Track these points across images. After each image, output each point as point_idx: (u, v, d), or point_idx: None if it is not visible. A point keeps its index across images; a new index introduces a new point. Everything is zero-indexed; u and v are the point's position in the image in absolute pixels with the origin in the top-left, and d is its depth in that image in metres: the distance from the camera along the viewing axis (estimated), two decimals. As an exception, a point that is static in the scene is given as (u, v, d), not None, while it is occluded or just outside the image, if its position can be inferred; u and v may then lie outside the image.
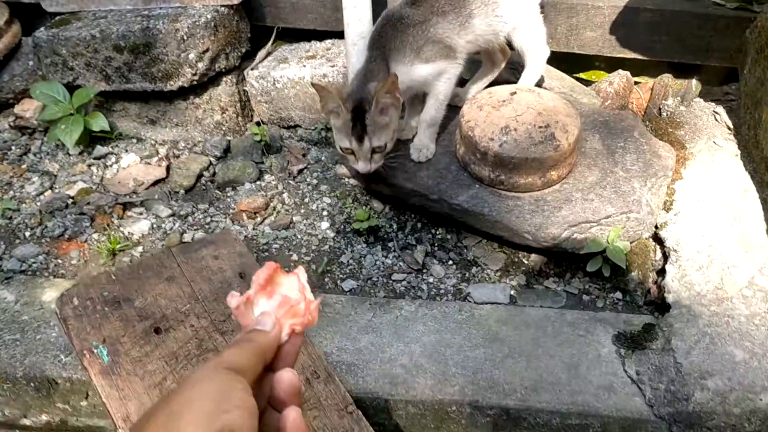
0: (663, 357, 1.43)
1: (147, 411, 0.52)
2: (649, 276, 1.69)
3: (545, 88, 2.02)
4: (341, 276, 1.77)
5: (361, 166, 1.71)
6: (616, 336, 1.51)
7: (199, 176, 2.14)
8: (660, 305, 1.60)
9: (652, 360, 1.43)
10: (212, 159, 2.20)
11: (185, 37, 2.08)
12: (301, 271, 0.67)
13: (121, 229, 1.92)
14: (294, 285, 0.66)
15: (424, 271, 1.77)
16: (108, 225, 1.92)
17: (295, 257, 1.83)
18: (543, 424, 1.40)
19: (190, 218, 1.97)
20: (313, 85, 1.69)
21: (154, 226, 1.94)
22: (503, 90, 1.73)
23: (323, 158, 2.21)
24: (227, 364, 0.55)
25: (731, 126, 2.01)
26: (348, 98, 1.67)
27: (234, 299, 0.64)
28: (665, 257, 1.67)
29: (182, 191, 2.08)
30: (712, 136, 1.98)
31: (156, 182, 2.10)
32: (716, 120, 2.05)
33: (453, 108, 1.91)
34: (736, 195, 1.75)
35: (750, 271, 1.55)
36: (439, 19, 1.74)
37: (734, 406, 1.33)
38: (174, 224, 1.95)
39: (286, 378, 0.58)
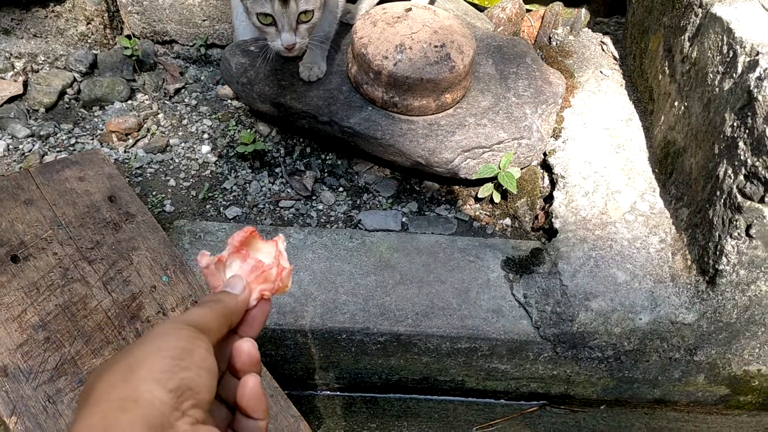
0: (549, 280, 1.45)
1: (104, 363, 0.50)
2: (537, 203, 1.70)
3: (439, 10, 1.94)
4: (224, 203, 1.65)
5: (285, 39, 1.44)
6: (504, 261, 1.52)
7: (62, 93, 1.92)
8: (547, 231, 1.62)
9: (539, 283, 1.45)
10: (76, 75, 1.97)
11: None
12: (280, 239, 0.66)
13: (-31, 149, 1.70)
14: (271, 252, 0.64)
15: (314, 197, 1.69)
16: (-48, 145, 1.68)
17: (172, 182, 1.69)
18: (433, 349, 1.40)
19: (51, 139, 1.77)
20: None
21: (10, 147, 1.73)
22: (398, 6, 1.64)
23: (203, 78, 2.04)
24: (191, 321, 0.53)
25: (617, 56, 2.04)
26: None
27: (204, 259, 0.62)
28: (553, 184, 1.69)
29: (42, 109, 1.86)
30: (599, 65, 2.00)
31: (11, 99, 1.87)
32: (603, 50, 2.07)
33: (345, 26, 1.81)
34: (620, 123, 1.79)
35: (632, 196, 1.59)
36: None
37: (615, 325, 1.38)
38: (33, 145, 1.74)
39: (245, 349, 0.56)
